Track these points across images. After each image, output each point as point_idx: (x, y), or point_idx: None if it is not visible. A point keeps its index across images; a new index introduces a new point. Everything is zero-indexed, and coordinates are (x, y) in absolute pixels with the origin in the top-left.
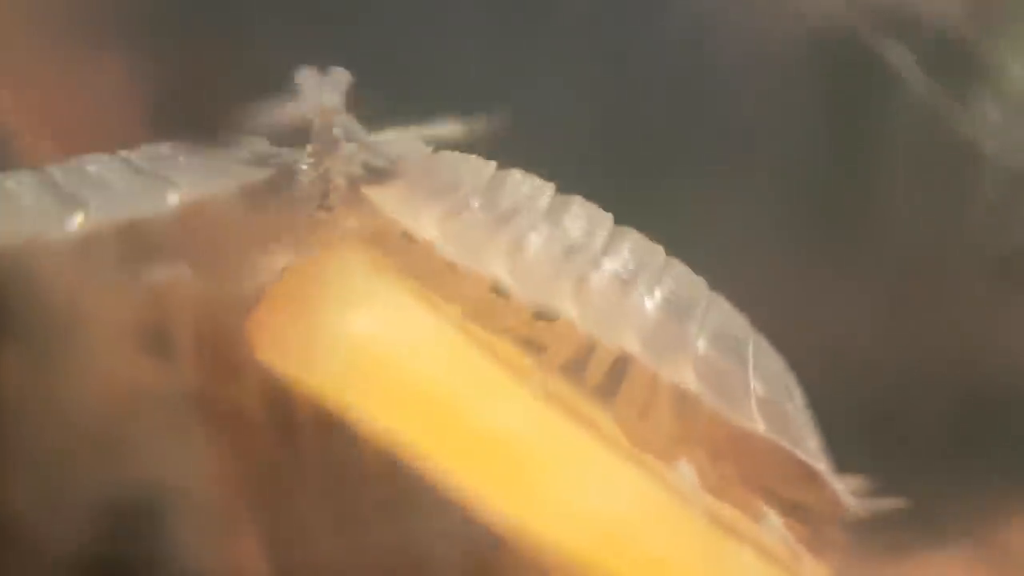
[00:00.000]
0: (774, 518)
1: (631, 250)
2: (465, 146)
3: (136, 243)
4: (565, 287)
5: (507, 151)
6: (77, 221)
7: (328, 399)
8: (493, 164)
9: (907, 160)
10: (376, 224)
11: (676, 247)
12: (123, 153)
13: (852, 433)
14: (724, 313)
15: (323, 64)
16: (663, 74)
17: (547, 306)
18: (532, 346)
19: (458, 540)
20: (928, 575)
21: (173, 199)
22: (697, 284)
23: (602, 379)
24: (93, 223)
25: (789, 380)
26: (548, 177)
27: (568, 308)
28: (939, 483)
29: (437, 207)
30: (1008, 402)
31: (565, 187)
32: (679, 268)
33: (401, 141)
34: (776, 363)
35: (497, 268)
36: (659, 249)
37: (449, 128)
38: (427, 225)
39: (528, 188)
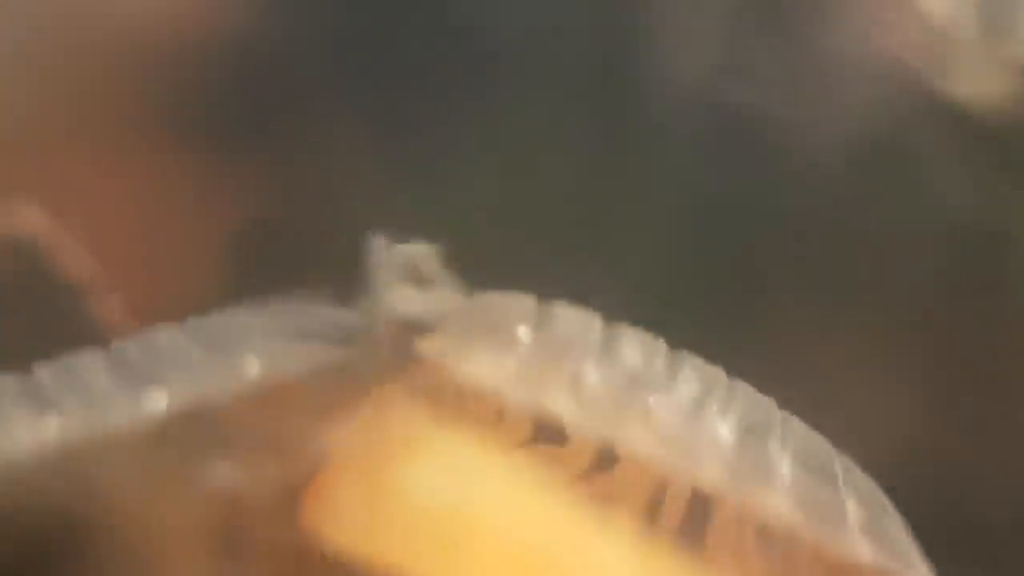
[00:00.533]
0: None
1: (694, 373)
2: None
3: (206, 429)
4: (632, 419)
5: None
6: (157, 401)
7: (401, 568)
8: (534, 299)
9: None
10: (429, 376)
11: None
12: (193, 321)
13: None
14: (802, 431)
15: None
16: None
17: (615, 441)
18: (599, 497)
19: None
20: None
21: (251, 374)
22: (768, 404)
23: (680, 524)
24: (173, 405)
25: (883, 498)
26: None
27: (638, 441)
28: None
29: (488, 348)
30: None
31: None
32: (746, 388)
33: (435, 292)
34: (865, 480)
35: (558, 404)
36: (720, 371)
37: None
38: (480, 368)
39: (578, 319)
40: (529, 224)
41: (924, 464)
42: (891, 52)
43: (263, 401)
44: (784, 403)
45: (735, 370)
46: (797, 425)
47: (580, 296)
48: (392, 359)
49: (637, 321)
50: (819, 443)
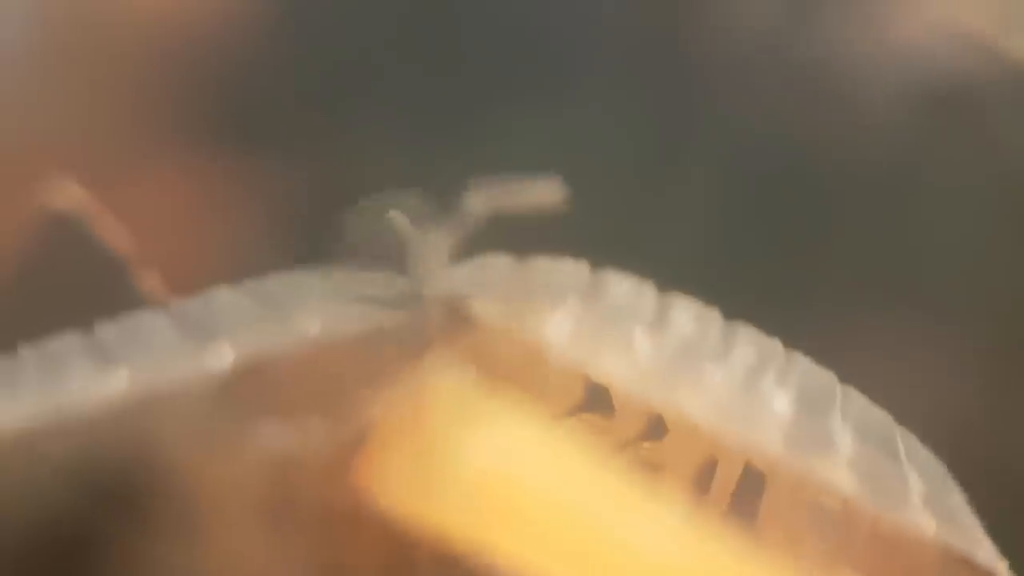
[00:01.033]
0: None
1: (750, 342)
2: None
3: (264, 388)
4: (685, 386)
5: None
6: (222, 357)
7: (450, 533)
8: (587, 265)
9: None
10: (481, 340)
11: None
12: (250, 283)
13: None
14: (863, 405)
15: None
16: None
17: (666, 407)
18: (648, 465)
19: None
20: None
21: (310, 334)
22: (827, 376)
23: (732, 496)
24: (235, 362)
25: (945, 473)
26: None
27: (691, 408)
28: None
29: (540, 313)
30: None
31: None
32: (804, 360)
33: (488, 257)
34: (928, 455)
35: (610, 369)
36: (777, 342)
37: (548, 186)
38: (533, 333)
39: (630, 285)
40: (581, 192)
41: (980, 446)
42: (956, 10)
43: (317, 362)
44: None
45: (790, 344)
46: (857, 398)
47: (634, 266)
48: (445, 324)
49: (693, 292)
50: (880, 416)
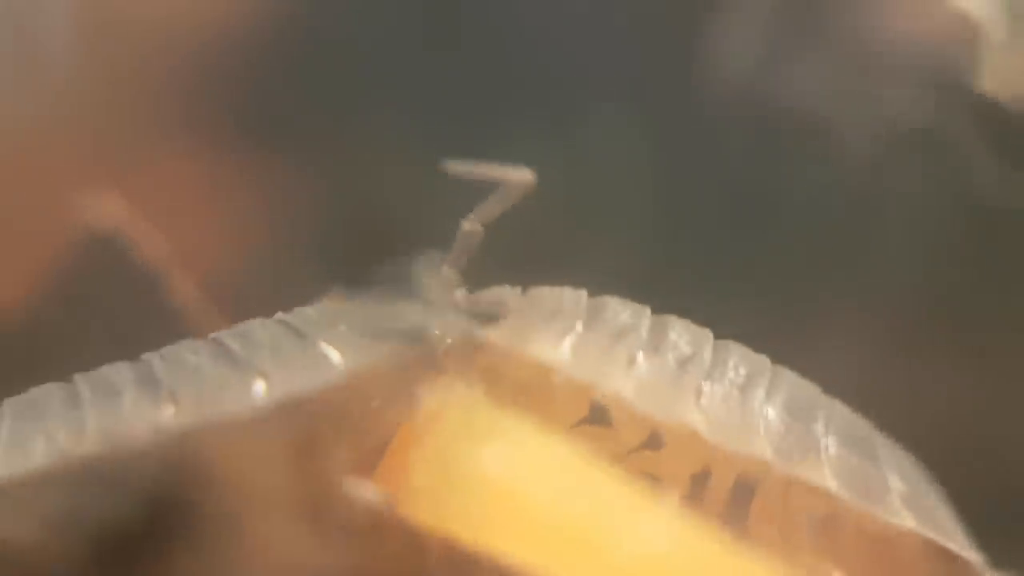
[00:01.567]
0: None
1: (741, 360)
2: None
3: (299, 417)
4: (687, 399)
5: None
6: (261, 391)
7: (464, 539)
8: (585, 292)
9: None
10: (491, 363)
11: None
12: (281, 316)
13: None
14: (845, 414)
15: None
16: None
17: (667, 421)
18: (648, 474)
19: None
20: None
21: (339, 370)
22: (811, 388)
23: (726, 501)
24: (274, 394)
25: (924, 475)
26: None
27: (694, 419)
28: None
29: (544, 337)
30: None
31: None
32: (790, 374)
33: (495, 288)
34: (907, 459)
35: (612, 387)
36: (765, 358)
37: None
38: (541, 351)
39: (628, 310)
40: (577, 221)
41: (956, 443)
42: (923, 48)
43: (344, 390)
44: (825, 388)
45: (778, 358)
46: (839, 407)
47: (629, 290)
48: (457, 351)
49: (683, 313)
50: (860, 423)
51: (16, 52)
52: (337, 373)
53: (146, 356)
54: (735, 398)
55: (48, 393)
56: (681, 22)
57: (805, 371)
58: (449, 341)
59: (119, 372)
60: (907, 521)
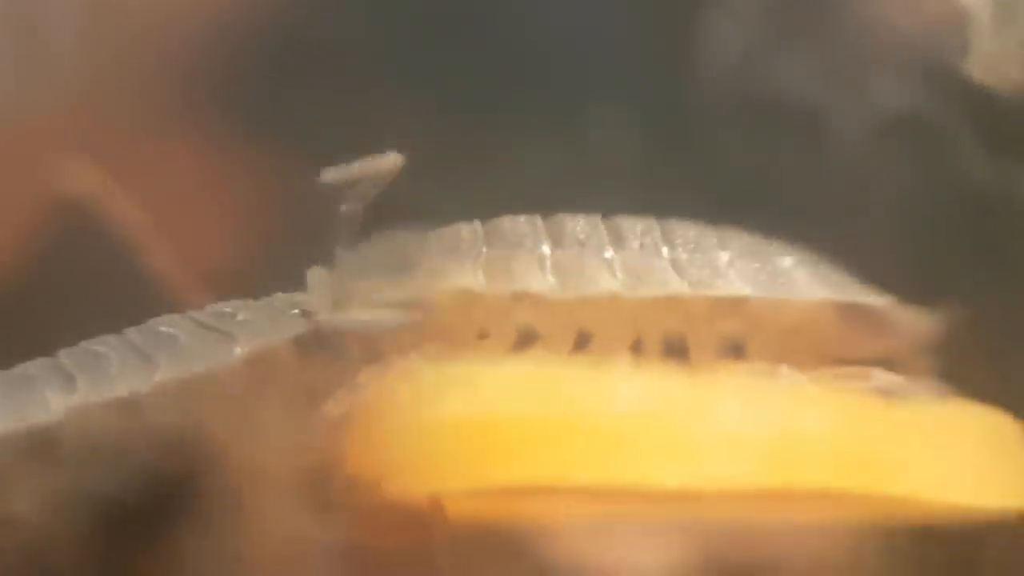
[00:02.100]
0: (880, 373)
1: (632, 225)
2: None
3: (268, 375)
4: (600, 272)
5: None
6: (237, 351)
7: (462, 485)
8: (478, 221)
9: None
10: (421, 317)
11: None
12: (190, 313)
13: None
14: (734, 232)
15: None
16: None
17: (588, 295)
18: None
19: None
20: None
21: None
22: (697, 225)
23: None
24: (248, 353)
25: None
26: None
27: (611, 285)
28: None
29: (457, 264)
30: None
31: None
32: (678, 222)
33: (395, 235)
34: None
35: (534, 284)
36: (652, 219)
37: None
38: (457, 280)
39: (522, 218)
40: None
41: None
42: (913, 35)
43: (255, 372)
44: None
45: None
46: (727, 229)
47: None
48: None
49: None
50: (747, 236)
51: (14, 30)
52: (232, 356)
53: (126, 330)
54: (638, 255)
55: (34, 367)
56: (674, 12)
57: None
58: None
59: (100, 344)
60: (819, 293)
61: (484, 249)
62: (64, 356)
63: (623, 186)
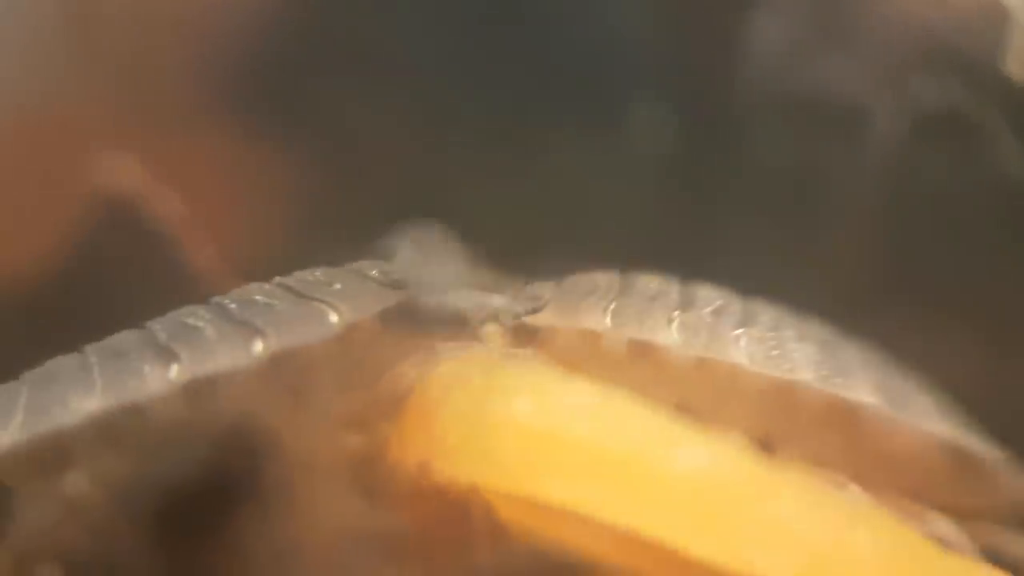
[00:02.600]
0: (938, 521)
1: (767, 309)
2: None
3: (300, 374)
4: (727, 342)
5: None
6: (258, 349)
7: (501, 492)
8: (615, 272)
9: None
10: (540, 338)
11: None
12: (280, 280)
13: None
14: (866, 348)
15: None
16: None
17: (714, 357)
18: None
19: None
20: None
21: (334, 325)
22: (826, 328)
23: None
24: (270, 351)
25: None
26: None
27: (736, 356)
28: None
29: (588, 307)
30: None
31: None
32: (809, 320)
33: (531, 286)
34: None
35: (661, 338)
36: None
37: None
38: (585, 321)
39: (657, 279)
40: (612, 205)
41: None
42: (951, 32)
43: (339, 341)
44: None
45: None
46: (859, 344)
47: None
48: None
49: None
50: (881, 357)
51: (54, 25)
52: (333, 328)
53: (149, 323)
54: (769, 337)
55: (61, 363)
56: (715, 12)
57: None
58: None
59: (125, 338)
60: (938, 427)
61: (616, 296)
62: (158, 329)
63: (663, 185)
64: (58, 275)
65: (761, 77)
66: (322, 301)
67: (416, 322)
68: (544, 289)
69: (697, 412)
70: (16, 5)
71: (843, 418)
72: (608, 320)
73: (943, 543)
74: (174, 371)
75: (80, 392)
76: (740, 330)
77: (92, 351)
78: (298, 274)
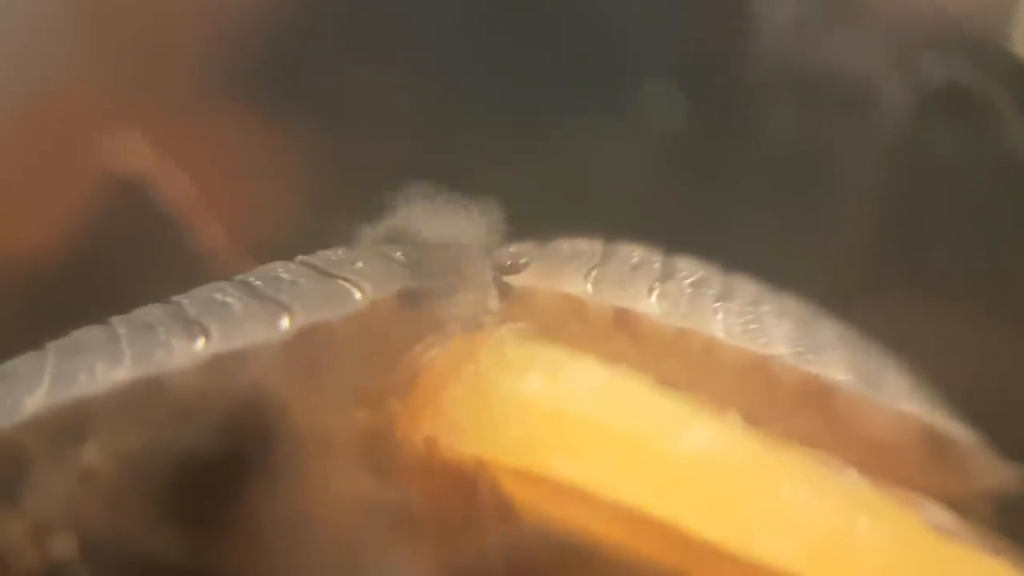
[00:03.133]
0: (935, 508)
1: (746, 284)
2: None
3: (321, 345)
4: (706, 315)
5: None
6: (284, 324)
7: (511, 467)
8: (599, 239)
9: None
10: (522, 302)
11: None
12: (302, 258)
13: None
14: (840, 324)
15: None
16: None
17: (698, 330)
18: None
19: None
20: None
21: (357, 302)
22: (806, 304)
23: (751, 404)
24: (297, 327)
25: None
26: None
27: (714, 328)
28: None
29: (569, 272)
30: None
31: None
32: (791, 296)
33: (514, 246)
34: (898, 363)
35: (641, 306)
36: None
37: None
38: (566, 286)
39: (639, 249)
40: (624, 182)
41: (989, 404)
42: (958, 12)
43: (363, 317)
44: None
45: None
46: (836, 320)
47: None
48: (484, 291)
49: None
50: (855, 334)
51: (66, 8)
52: (356, 305)
53: (176, 298)
54: (748, 312)
55: (88, 333)
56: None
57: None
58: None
59: (151, 312)
60: (911, 408)
61: (598, 264)
62: (186, 303)
63: (671, 163)
64: (70, 254)
65: (769, 55)
66: (346, 279)
67: (431, 302)
68: (527, 249)
69: (678, 385)
70: None
71: (818, 397)
72: (589, 286)
73: (941, 530)
74: (200, 344)
75: (108, 362)
76: (719, 303)
77: (119, 323)
78: (320, 253)
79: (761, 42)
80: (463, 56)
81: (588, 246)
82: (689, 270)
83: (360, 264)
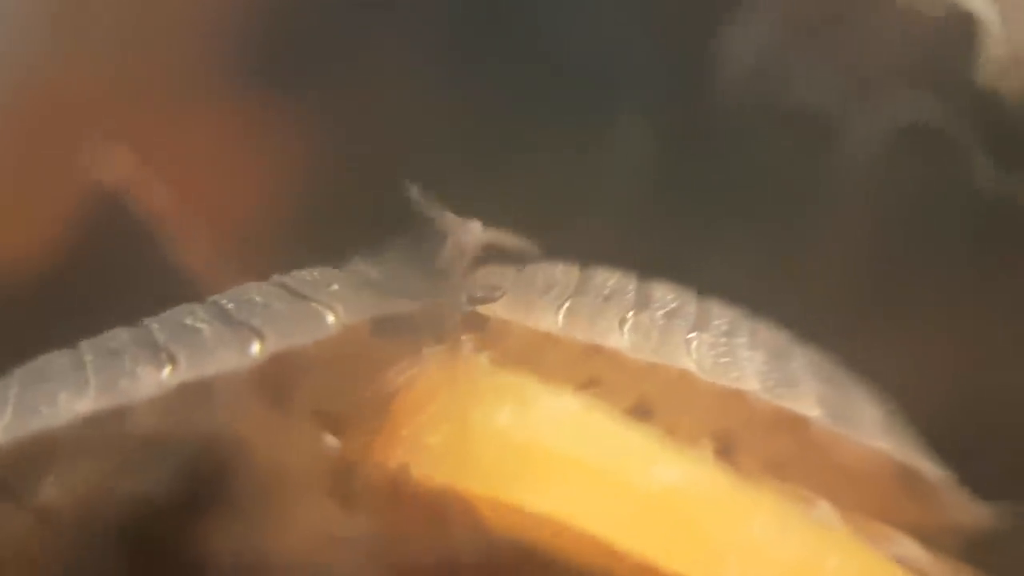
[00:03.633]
0: (906, 542)
1: (723, 312)
2: None
3: (292, 373)
4: (678, 348)
5: None
6: (255, 350)
7: (482, 499)
8: (576, 265)
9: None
10: (495, 333)
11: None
12: (277, 278)
13: None
14: (816, 356)
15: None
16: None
17: (669, 364)
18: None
19: None
20: None
21: (331, 327)
22: (784, 335)
23: (722, 441)
24: (267, 353)
25: (890, 408)
26: None
27: (686, 363)
28: None
29: (543, 305)
30: None
31: None
32: (765, 325)
33: (491, 269)
34: (875, 394)
35: (612, 341)
36: (742, 313)
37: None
38: (539, 321)
39: (615, 276)
40: (592, 208)
41: (956, 429)
42: (923, 44)
43: (336, 342)
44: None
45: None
46: (810, 350)
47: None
48: (461, 319)
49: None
50: (830, 364)
51: (47, 15)
52: (329, 330)
53: (146, 321)
54: (722, 344)
55: (54, 360)
56: (693, 22)
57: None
58: (452, 315)
59: (119, 336)
60: (883, 444)
61: (572, 294)
62: (156, 328)
63: (642, 190)
64: (50, 269)
65: (741, 84)
66: (319, 302)
67: (404, 328)
68: (503, 277)
69: (655, 414)
70: None
71: (790, 425)
72: (560, 319)
73: (911, 566)
74: (167, 372)
75: (72, 392)
76: (692, 334)
77: (87, 348)
78: (296, 273)
79: (733, 71)
80: (435, 82)
81: (563, 274)
82: (663, 299)
83: (336, 286)
